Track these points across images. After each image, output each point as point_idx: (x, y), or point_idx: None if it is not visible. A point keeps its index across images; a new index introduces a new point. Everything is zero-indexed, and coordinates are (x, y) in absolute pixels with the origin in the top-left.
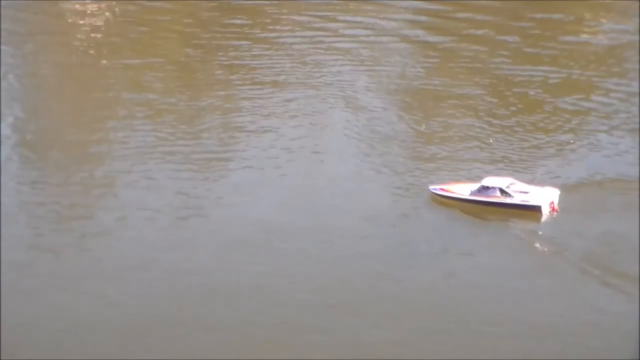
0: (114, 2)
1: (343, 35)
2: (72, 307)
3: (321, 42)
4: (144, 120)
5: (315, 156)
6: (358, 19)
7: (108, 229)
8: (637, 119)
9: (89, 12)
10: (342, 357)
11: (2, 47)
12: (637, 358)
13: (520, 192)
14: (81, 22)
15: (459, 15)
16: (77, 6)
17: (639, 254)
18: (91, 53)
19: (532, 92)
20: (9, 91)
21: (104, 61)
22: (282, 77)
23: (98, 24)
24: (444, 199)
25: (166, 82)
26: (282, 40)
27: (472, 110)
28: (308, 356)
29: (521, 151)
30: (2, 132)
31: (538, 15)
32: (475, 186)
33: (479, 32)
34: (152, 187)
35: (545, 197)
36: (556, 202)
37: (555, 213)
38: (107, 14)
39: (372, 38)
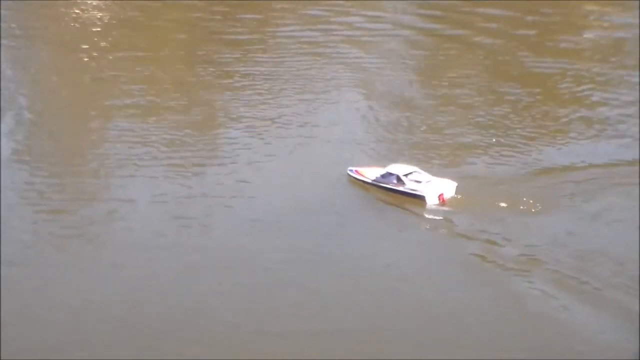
0: (114, 2)
1: (353, 29)
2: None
3: (327, 36)
4: (146, 120)
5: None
6: (368, 13)
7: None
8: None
9: (88, 11)
10: None
11: (1, 47)
12: (637, 358)
13: (415, 181)
14: (80, 21)
15: (467, 9)
16: (76, 9)
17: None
18: (90, 52)
19: (537, 89)
20: (7, 92)
21: (103, 60)
22: (289, 71)
23: (98, 23)
24: (355, 181)
25: (169, 80)
26: (291, 34)
27: (476, 107)
28: None
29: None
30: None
31: (547, 10)
32: (381, 171)
33: (489, 26)
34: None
35: (436, 188)
36: (450, 194)
37: (444, 204)
38: (107, 13)
39: (383, 32)
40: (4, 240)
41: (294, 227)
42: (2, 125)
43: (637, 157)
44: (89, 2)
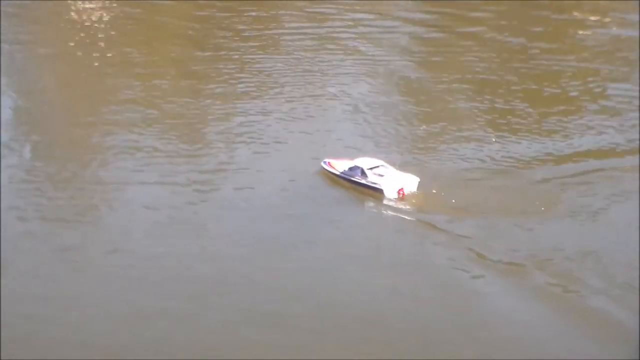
0: (115, 1)
1: (358, 26)
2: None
3: (332, 34)
4: (144, 119)
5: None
6: (373, 10)
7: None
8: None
9: (88, 10)
10: None
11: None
12: (638, 358)
13: (378, 174)
14: (80, 20)
15: (471, 7)
16: (77, 8)
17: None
18: (90, 51)
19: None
20: (6, 92)
21: (103, 59)
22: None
23: (100, 23)
24: (326, 173)
25: (170, 78)
26: (297, 32)
27: (479, 105)
28: None
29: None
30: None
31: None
32: (350, 164)
33: (487, 25)
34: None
35: (396, 182)
36: (411, 189)
37: (403, 198)
38: (109, 12)
39: (387, 29)
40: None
41: (282, 232)
42: (1, 126)
43: (638, 157)
44: (90, 1)
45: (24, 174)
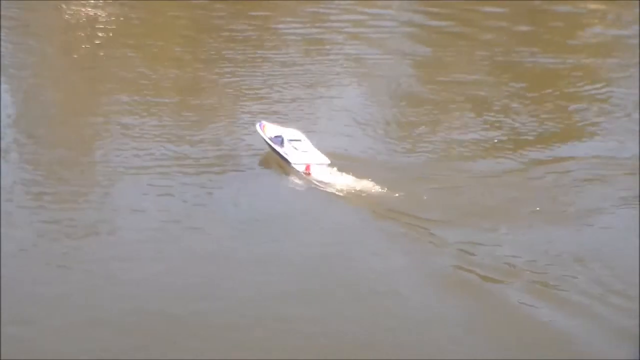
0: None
1: (356, 27)
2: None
3: (330, 34)
4: (142, 120)
5: None
6: (372, 10)
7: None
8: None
9: (89, 8)
10: None
11: (1, 47)
12: (638, 358)
13: (294, 148)
14: (80, 20)
15: (472, 7)
16: (76, 7)
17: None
18: (89, 50)
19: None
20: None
21: (102, 58)
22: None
23: (98, 21)
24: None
25: (168, 78)
26: (294, 32)
27: (480, 104)
28: None
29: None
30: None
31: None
32: (278, 131)
33: (490, 23)
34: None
35: (304, 159)
36: (318, 168)
37: (308, 174)
38: (107, 11)
39: (386, 29)
40: None
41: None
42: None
43: (638, 157)
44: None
45: (19, 176)
